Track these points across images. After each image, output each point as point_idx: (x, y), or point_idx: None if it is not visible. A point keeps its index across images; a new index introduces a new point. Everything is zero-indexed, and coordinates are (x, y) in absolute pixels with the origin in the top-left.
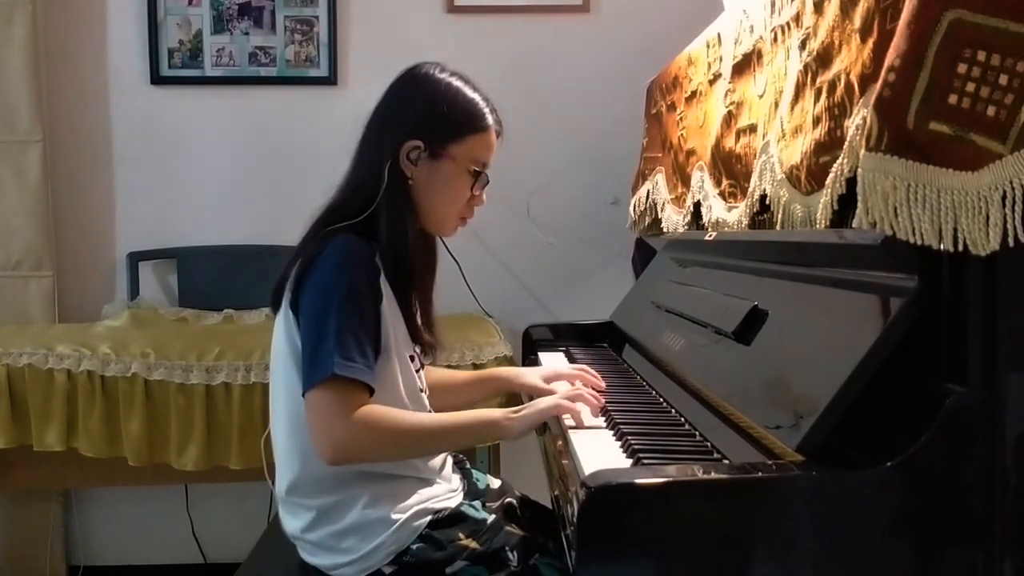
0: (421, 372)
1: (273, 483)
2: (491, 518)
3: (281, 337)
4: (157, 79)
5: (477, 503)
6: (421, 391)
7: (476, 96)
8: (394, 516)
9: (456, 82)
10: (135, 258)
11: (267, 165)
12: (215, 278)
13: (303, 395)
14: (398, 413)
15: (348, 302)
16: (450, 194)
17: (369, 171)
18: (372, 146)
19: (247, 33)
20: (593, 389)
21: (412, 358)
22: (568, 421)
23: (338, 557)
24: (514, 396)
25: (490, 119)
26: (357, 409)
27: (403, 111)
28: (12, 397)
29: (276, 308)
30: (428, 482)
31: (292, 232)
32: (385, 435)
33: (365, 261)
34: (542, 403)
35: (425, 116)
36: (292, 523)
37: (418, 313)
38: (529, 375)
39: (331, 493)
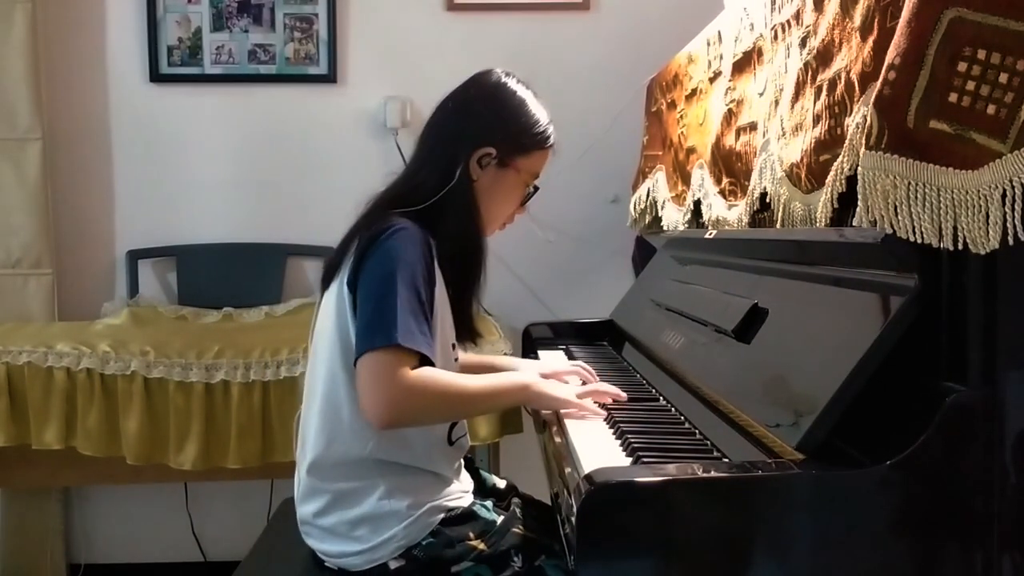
0: (458, 361)
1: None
2: (500, 519)
3: (330, 315)
4: (156, 77)
5: (488, 503)
6: None
7: (544, 113)
8: (408, 510)
9: (529, 98)
10: (134, 256)
11: (266, 163)
12: (214, 276)
13: (356, 359)
14: (445, 376)
15: (411, 280)
16: (506, 202)
17: (438, 165)
18: (445, 142)
19: (246, 31)
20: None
21: (454, 346)
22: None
23: (348, 545)
24: None
25: (553, 137)
26: (411, 373)
27: (483, 116)
28: (11, 395)
29: (326, 286)
30: (445, 480)
31: (292, 230)
32: (435, 397)
33: (424, 243)
34: (570, 393)
35: (504, 126)
36: (306, 508)
37: (469, 306)
38: (526, 369)
39: (349, 479)
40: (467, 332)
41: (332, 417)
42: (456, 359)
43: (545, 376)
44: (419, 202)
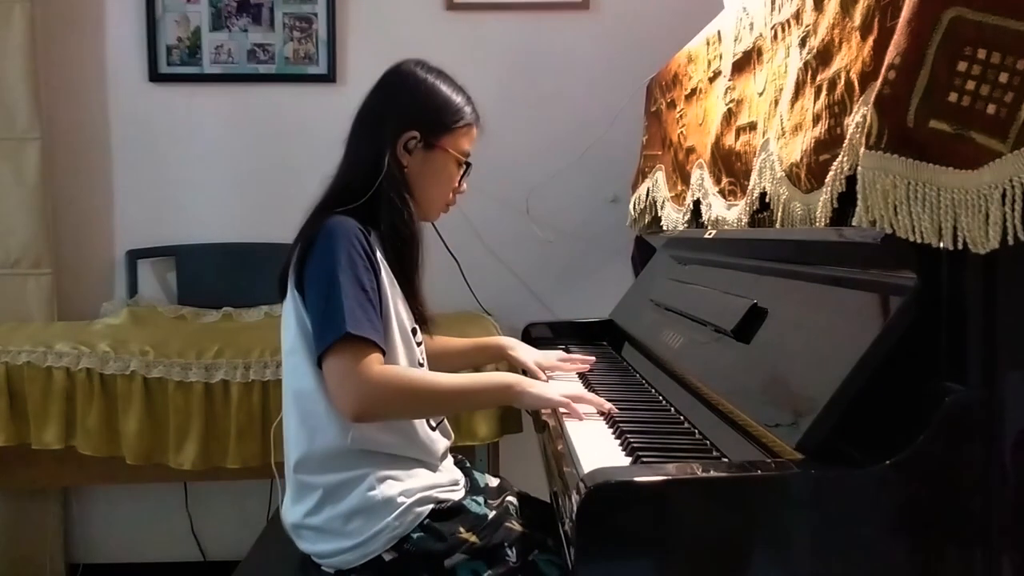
0: (422, 346)
1: (279, 474)
2: (491, 514)
3: (290, 318)
4: (155, 76)
5: (480, 498)
6: (420, 364)
7: (460, 92)
8: (399, 500)
9: (441, 79)
10: (134, 256)
11: (266, 162)
12: (214, 276)
13: (319, 360)
14: (416, 371)
15: (349, 271)
16: (441, 183)
17: (366, 160)
18: (368, 137)
19: (246, 30)
20: (596, 394)
21: (415, 331)
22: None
23: (341, 542)
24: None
25: (473, 113)
26: (375, 366)
27: (399, 104)
28: (11, 395)
29: (283, 294)
30: (431, 467)
31: (291, 229)
32: (406, 390)
33: (359, 236)
34: (556, 392)
35: (420, 109)
36: (296, 509)
37: (415, 294)
38: (524, 352)
39: (337, 471)
40: (425, 316)
41: (309, 412)
42: (419, 344)
43: (541, 366)
44: (354, 199)
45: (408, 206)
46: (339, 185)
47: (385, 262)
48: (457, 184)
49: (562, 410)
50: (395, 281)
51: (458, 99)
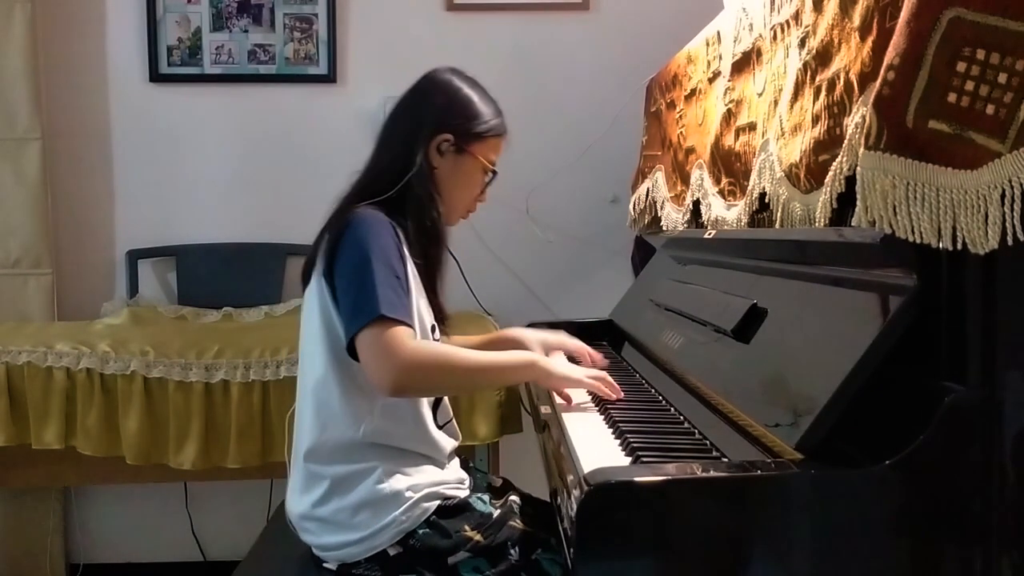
0: (439, 342)
1: (290, 466)
2: (496, 512)
3: (313, 307)
4: (156, 77)
5: (485, 496)
6: None
7: (492, 104)
8: (407, 494)
9: (476, 89)
10: (134, 256)
11: (266, 163)
12: (214, 276)
13: (349, 343)
14: (448, 347)
15: (382, 258)
16: (467, 188)
17: (398, 156)
18: (402, 135)
19: (246, 31)
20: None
21: (433, 328)
22: (566, 415)
23: (347, 534)
24: None
25: (504, 124)
26: (410, 341)
27: (437, 105)
28: (11, 395)
29: (306, 282)
30: (439, 464)
31: (292, 230)
32: (441, 363)
33: (390, 228)
34: (582, 372)
35: (457, 114)
36: (303, 500)
37: (435, 292)
38: (532, 341)
39: (347, 462)
40: (444, 314)
41: (323, 403)
42: (437, 340)
43: (549, 346)
44: (382, 192)
45: (436, 204)
46: (367, 180)
47: (410, 257)
48: (480, 192)
49: (564, 414)
50: (418, 277)
51: (490, 110)
